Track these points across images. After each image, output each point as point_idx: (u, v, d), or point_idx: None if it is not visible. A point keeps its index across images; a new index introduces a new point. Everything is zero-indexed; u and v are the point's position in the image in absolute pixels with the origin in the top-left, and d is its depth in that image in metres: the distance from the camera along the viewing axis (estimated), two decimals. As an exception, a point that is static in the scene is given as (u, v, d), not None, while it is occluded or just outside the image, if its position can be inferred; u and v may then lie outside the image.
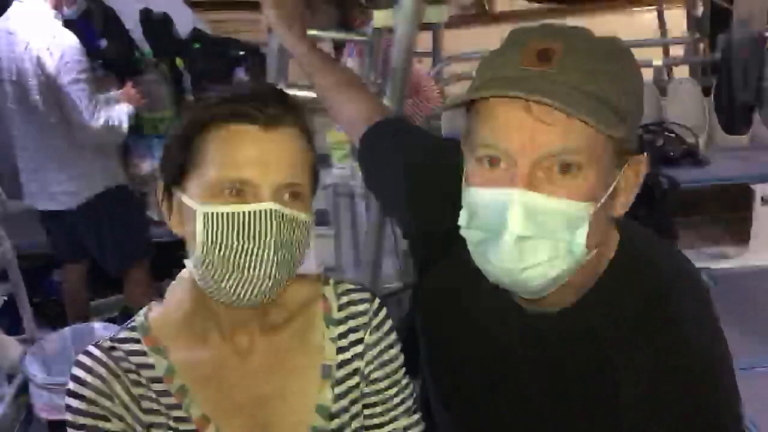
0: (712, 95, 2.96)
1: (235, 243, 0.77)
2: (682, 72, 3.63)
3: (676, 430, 0.80)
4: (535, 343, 0.88)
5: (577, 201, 0.74)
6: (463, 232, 0.81)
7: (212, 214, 0.77)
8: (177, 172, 0.82)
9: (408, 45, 1.47)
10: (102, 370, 0.82)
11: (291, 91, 1.73)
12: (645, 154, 0.81)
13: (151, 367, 0.85)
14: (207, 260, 0.78)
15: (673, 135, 2.73)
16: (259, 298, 0.80)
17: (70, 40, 2.48)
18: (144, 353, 0.85)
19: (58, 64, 2.44)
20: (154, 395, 0.84)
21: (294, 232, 0.80)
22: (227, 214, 0.77)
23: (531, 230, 0.74)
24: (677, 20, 3.76)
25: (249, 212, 0.77)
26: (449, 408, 1.01)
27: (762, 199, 2.79)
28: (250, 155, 0.78)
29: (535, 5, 5.12)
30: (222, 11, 4.33)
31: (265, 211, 0.78)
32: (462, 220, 0.80)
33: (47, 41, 2.45)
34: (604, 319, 0.84)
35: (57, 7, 2.54)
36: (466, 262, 0.82)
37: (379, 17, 1.54)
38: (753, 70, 2.88)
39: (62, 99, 2.47)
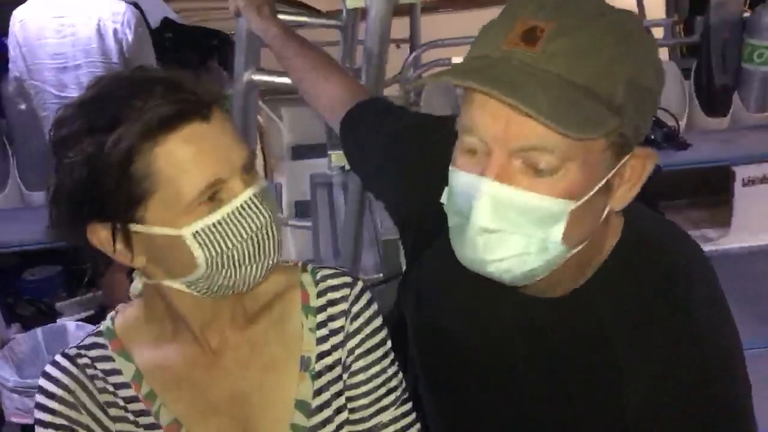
0: (692, 78, 2.95)
1: (238, 240, 0.75)
2: (661, 55, 3.62)
3: (686, 425, 0.77)
4: (532, 330, 0.85)
5: (554, 197, 0.70)
6: (445, 210, 0.78)
7: (204, 230, 0.73)
8: (125, 207, 0.73)
9: (383, 26, 1.42)
10: (67, 380, 0.80)
11: (263, 78, 1.69)
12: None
13: (118, 372, 0.82)
14: (214, 271, 0.75)
15: (653, 118, 2.72)
16: (269, 267, 0.79)
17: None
18: (111, 359, 0.82)
19: None
20: (121, 402, 0.81)
21: (270, 196, 0.79)
22: (219, 221, 0.74)
23: (498, 224, 0.71)
24: (656, 3, 3.75)
25: (237, 209, 0.74)
26: (440, 400, 0.98)
27: (743, 181, 2.80)
28: (212, 154, 0.73)
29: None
30: (191, -1, 4.24)
31: (249, 199, 0.75)
32: (444, 197, 0.78)
33: None
34: (608, 306, 0.80)
35: None
36: None
37: (352, -1, 1.49)
38: (732, 52, 2.87)
39: None
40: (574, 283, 0.81)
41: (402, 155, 1.01)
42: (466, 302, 0.90)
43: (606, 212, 0.76)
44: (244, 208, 0.75)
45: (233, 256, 0.75)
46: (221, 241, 0.74)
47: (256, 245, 0.76)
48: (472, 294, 0.88)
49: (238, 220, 0.74)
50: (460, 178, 0.74)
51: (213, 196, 0.73)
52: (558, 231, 0.72)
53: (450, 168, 0.76)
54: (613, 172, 0.73)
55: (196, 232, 0.73)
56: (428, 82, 0.73)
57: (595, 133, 0.68)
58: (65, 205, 0.75)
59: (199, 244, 0.73)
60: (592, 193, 0.72)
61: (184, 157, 0.71)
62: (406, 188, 1.00)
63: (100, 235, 0.75)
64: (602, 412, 0.82)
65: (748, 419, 0.79)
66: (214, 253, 0.74)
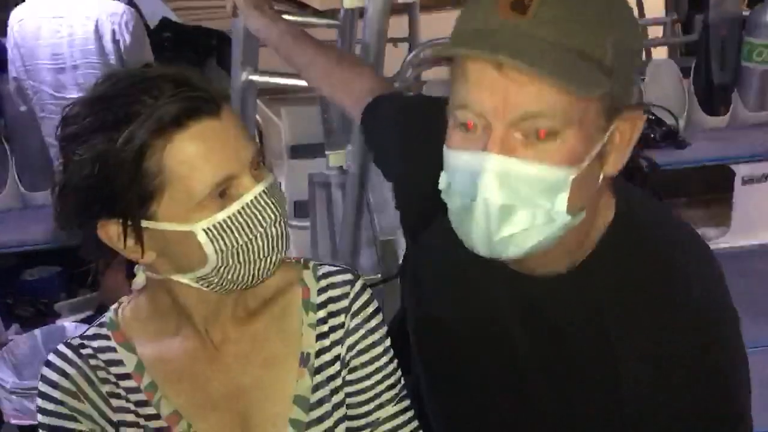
0: (691, 76, 2.94)
1: (249, 235, 0.75)
2: (660, 53, 3.61)
3: (681, 415, 0.77)
4: (530, 310, 0.85)
5: (557, 166, 0.70)
6: (443, 197, 0.77)
7: (215, 225, 0.73)
8: (137, 204, 0.73)
9: (380, 23, 1.42)
10: (70, 369, 0.80)
11: (261, 78, 1.68)
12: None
13: (120, 363, 0.83)
14: (224, 266, 0.76)
15: (652, 117, 2.71)
16: (277, 262, 0.80)
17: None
18: (113, 349, 0.83)
19: None
20: (123, 392, 0.82)
21: (279, 192, 0.79)
22: (230, 217, 0.74)
23: (505, 198, 0.71)
24: (655, 1, 3.74)
25: (248, 204, 0.74)
26: (440, 392, 0.97)
27: (743, 179, 2.79)
28: (222, 151, 0.73)
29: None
30: (188, -2, 4.23)
31: (260, 194, 0.75)
32: (442, 183, 0.77)
33: None
34: (605, 287, 0.80)
35: None
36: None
37: (349, -2, 1.48)
38: (731, 51, 2.86)
39: None
40: (571, 261, 0.81)
41: (414, 131, 1.01)
42: (463, 284, 0.90)
43: (600, 179, 0.77)
44: (254, 204, 0.75)
45: (243, 251, 0.75)
46: (232, 237, 0.74)
47: (265, 240, 0.76)
48: (469, 275, 0.88)
49: (249, 216, 0.75)
50: (461, 157, 0.73)
51: (223, 192, 0.74)
52: (562, 200, 0.72)
53: (445, 149, 0.75)
54: (607, 135, 0.73)
55: (207, 227, 0.73)
56: (437, 55, 0.74)
57: (595, 93, 0.69)
58: (73, 202, 0.74)
59: (210, 239, 0.74)
60: (591, 157, 0.72)
61: (195, 154, 0.72)
62: (413, 168, 0.99)
63: (110, 232, 0.75)
64: (600, 402, 0.82)
65: (745, 417, 0.79)
66: (224, 249, 0.74)
